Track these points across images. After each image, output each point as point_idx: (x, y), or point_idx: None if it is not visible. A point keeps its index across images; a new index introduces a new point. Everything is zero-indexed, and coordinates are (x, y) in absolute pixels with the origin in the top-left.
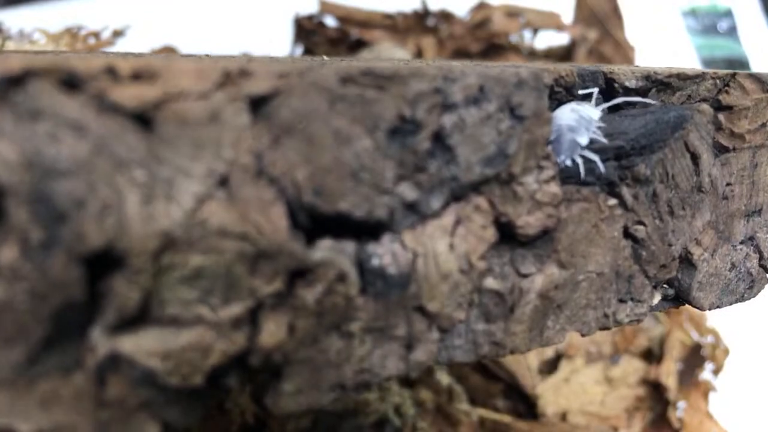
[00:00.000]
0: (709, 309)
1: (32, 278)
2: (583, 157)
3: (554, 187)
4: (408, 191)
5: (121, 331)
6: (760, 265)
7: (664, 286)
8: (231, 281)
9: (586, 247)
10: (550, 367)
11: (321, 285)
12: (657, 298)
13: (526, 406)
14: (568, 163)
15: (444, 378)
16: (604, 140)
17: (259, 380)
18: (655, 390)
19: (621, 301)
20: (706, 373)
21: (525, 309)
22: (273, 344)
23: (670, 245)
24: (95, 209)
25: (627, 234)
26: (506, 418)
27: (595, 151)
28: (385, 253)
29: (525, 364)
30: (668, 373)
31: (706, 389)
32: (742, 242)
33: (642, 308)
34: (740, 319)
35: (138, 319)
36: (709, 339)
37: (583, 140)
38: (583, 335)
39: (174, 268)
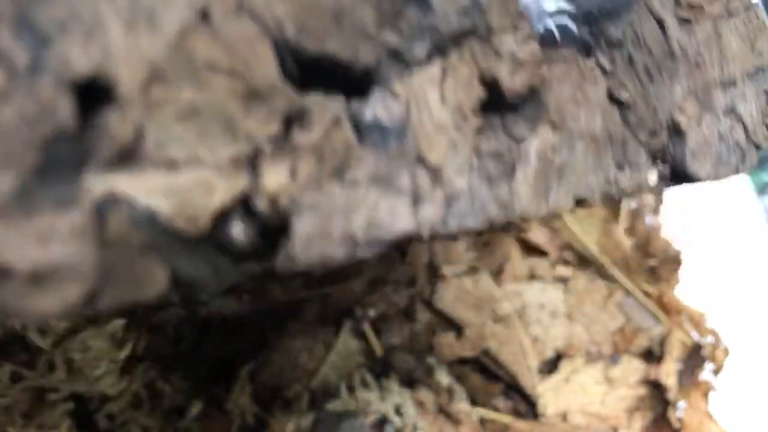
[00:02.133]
0: (707, 179)
1: (20, 101)
2: (555, 23)
3: (533, 45)
4: (390, 37)
5: (117, 168)
6: (747, 137)
7: (659, 161)
8: (226, 121)
9: (575, 109)
10: (550, 367)
11: (318, 128)
12: (654, 175)
13: (526, 406)
14: (541, 29)
15: (444, 378)
16: (569, 6)
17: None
18: (655, 390)
19: (619, 167)
20: (706, 373)
21: (526, 171)
22: (276, 187)
23: (655, 109)
24: (79, 34)
25: (612, 99)
26: (506, 418)
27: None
28: (377, 105)
29: (525, 364)
30: (668, 373)
31: (706, 389)
32: (725, 114)
33: (640, 174)
34: (740, 319)
35: (134, 158)
36: (709, 339)
37: (550, 6)
38: (590, 204)
39: (166, 103)
